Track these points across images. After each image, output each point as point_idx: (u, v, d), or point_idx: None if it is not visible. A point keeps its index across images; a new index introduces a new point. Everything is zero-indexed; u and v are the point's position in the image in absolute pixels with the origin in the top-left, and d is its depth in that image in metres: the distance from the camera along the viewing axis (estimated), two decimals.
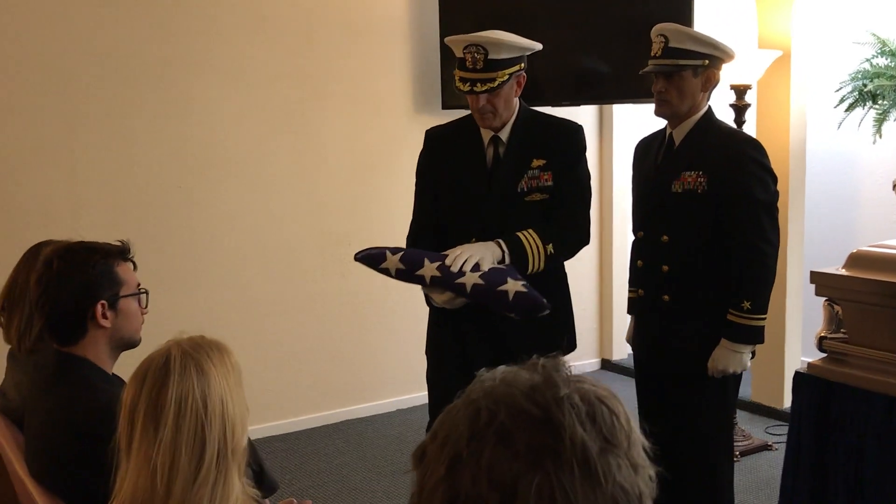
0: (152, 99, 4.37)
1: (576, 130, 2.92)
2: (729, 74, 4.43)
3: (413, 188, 3.06)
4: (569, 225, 2.83)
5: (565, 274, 3.02)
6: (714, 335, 2.90)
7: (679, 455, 3.04)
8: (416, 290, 2.85)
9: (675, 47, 2.85)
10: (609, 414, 0.86)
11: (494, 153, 2.86)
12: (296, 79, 4.74)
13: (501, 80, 2.70)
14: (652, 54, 2.91)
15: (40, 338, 2.19)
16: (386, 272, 2.67)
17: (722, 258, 2.89)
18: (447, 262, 2.61)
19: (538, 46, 2.81)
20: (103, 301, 2.02)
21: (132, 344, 2.09)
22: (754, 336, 2.88)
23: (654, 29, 2.93)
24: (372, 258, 2.67)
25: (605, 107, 5.85)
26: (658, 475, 0.88)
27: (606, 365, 6.11)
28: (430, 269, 2.60)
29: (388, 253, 2.66)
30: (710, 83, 2.91)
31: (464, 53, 2.70)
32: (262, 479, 2.33)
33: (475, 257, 2.61)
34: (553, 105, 5.35)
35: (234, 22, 4.55)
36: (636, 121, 5.60)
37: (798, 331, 4.91)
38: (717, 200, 2.85)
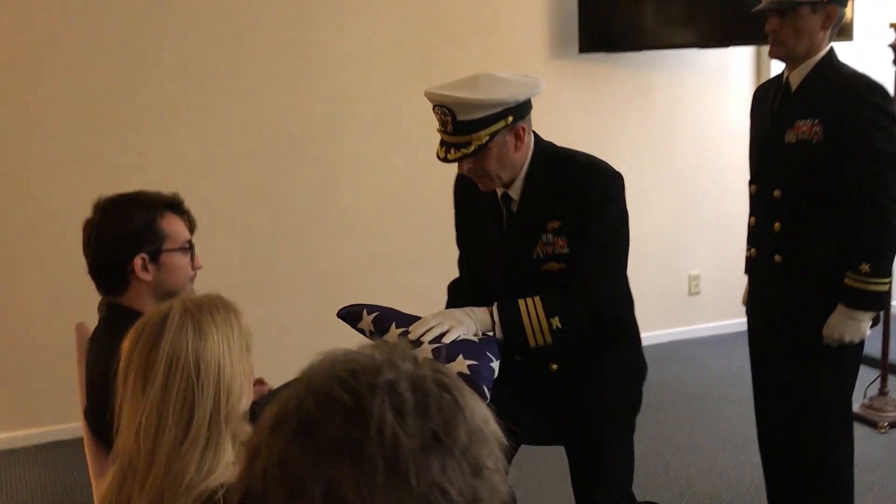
0: (273, 48, 4.39)
1: (591, 179, 2.30)
2: (893, 10, 4.00)
3: None
4: (580, 298, 2.28)
5: (620, 336, 2.49)
6: (830, 300, 2.64)
7: (794, 427, 2.84)
8: None
9: None
10: (452, 406, 0.76)
11: (507, 211, 2.39)
12: (426, 24, 4.66)
13: (479, 143, 2.16)
14: None
15: None
16: (363, 332, 2.32)
17: (839, 215, 2.62)
18: (411, 328, 2.21)
19: (534, 90, 2.24)
20: (143, 255, 2.03)
21: None
22: (874, 302, 2.60)
23: None
24: (351, 317, 2.34)
25: (763, 48, 5.44)
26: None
27: None
28: (393, 335, 2.23)
29: (364, 312, 2.31)
30: (831, 21, 2.60)
31: (434, 112, 2.21)
32: None
33: (442, 326, 2.16)
34: (701, 47, 5.06)
35: None
36: None
37: None
38: (834, 152, 2.57)
